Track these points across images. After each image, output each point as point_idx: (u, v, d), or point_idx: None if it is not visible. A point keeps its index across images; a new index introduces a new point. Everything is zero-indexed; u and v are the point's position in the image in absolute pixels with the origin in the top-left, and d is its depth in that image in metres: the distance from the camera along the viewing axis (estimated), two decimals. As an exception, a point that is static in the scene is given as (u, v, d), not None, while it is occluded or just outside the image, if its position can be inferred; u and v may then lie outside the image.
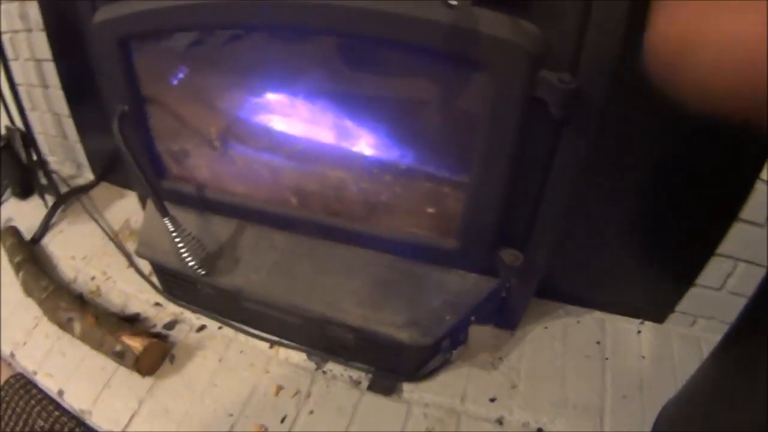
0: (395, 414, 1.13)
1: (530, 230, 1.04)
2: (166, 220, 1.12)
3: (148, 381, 1.19)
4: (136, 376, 1.20)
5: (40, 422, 1.23)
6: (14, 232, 1.52)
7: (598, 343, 1.25)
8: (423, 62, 0.92)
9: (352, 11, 0.81)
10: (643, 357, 1.22)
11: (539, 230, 1.04)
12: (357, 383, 1.19)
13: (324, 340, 1.19)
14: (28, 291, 1.37)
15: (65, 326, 1.28)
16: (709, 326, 1.23)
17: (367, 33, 0.84)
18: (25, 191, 1.67)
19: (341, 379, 1.20)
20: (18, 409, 1.26)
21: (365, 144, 1.06)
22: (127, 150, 1.07)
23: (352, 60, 0.96)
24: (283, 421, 1.12)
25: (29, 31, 1.50)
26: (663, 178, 1.06)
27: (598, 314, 1.31)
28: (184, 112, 1.15)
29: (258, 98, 1.11)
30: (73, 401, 1.18)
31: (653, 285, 1.23)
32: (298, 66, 1.02)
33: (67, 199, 1.63)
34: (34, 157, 1.58)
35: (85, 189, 1.68)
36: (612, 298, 1.29)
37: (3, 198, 1.69)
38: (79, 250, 1.49)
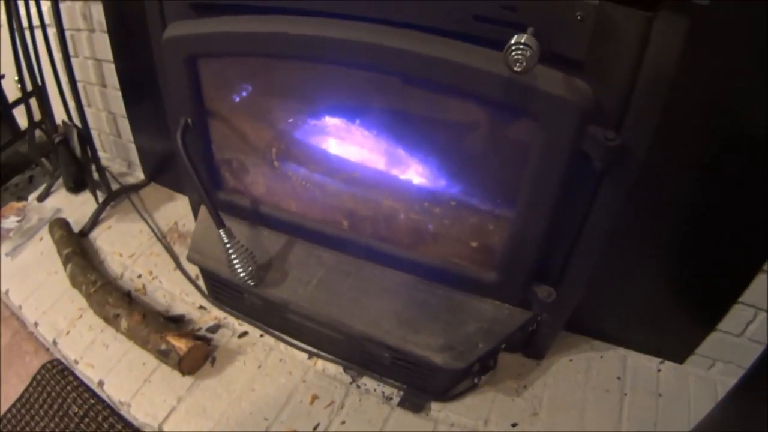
0: (422, 430, 1.17)
1: (565, 270, 1.08)
2: (221, 232, 1.16)
3: (188, 380, 1.24)
4: (176, 374, 1.24)
5: (75, 408, 1.28)
6: (64, 224, 1.57)
7: (619, 378, 1.28)
8: (482, 106, 0.96)
9: (425, 59, 0.85)
10: (660, 395, 1.24)
11: (573, 270, 1.08)
12: (389, 399, 1.22)
13: (361, 355, 1.23)
14: (76, 283, 1.42)
15: (111, 321, 1.32)
16: (727, 370, 1.26)
17: (435, 78, 0.88)
18: (77, 186, 1.72)
19: (374, 393, 1.23)
20: (54, 394, 1.31)
21: (417, 174, 1.11)
22: (187, 161, 1.11)
23: (413, 97, 1.01)
24: (315, 429, 1.16)
25: (92, 31, 1.55)
26: (693, 226, 1.09)
27: (621, 351, 1.34)
28: (244, 128, 1.19)
29: (318, 121, 1.16)
30: (113, 392, 1.23)
31: (677, 327, 1.26)
32: (361, 94, 1.07)
33: (117, 197, 1.67)
34: (89, 154, 1.62)
35: (135, 188, 1.73)
36: (636, 337, 1.32)
37: (54, 190, 1.74)
38: (127, 247, 1.54)
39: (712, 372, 1.28)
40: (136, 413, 1.19)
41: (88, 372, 1.26)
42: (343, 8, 0.90)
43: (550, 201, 0.93)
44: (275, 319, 1.30)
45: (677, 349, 1.29)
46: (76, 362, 1.29)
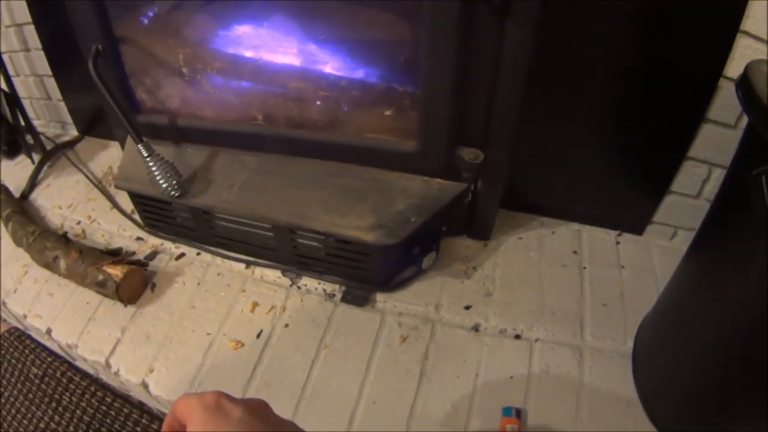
0: (369, 323, 1.11)
1: (487, 129, 1.00)
2: (140, 147, 1.11)
3: (130, 310, 1.18)
4: (118, 307, 1.18)
5: (34, 369, 1.24)
6: (2, 188, 1.50)
7: (575, 252, 1.21)
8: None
9: None
10: (623, 267, 1.17)
11: (496, 127, 1.00)
12: (331, 296, 1.16)
13: (295, 255, 1.17)
14: (17, 240, 1.36)
15: (51, 266, 1.26)
16: (690, 238, 1.13)
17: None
18: (11, 150, 1.65)
19: (315, 293, 1.17)
20: (13, 360, 1.27)
21: (319, 58, 1.04)
22: (101, 85, 1.06)
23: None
24: (258, 336, 1.10)
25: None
26: (627, 82, 1.02)
27: (574, 225, 1.27)
28: (153, 46, 1.13)
29: (217, 23, 1.09)
30: (60, 337, 1.17)
31: (629, 195, 1.17)
32: None
33: (52, 156, 1.61)
34: (20, 119, 1.56)
35: (70, 144, 1.66)
36: (588, 210, 1.24)
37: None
38: (65, 200, 1.48)
39: (675, 241, 1.20)
40: (83, 353, 1.13)
41: (37, 323, 1.20)
42: None
43: (452, 51, 0.86)
44: (208, 234, 1.25)
45: (634, 220, 1.21)
46: (25, 317, 1.23)
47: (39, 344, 1.29)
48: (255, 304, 1.15)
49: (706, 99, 0.97)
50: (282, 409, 0.94)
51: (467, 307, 1.12)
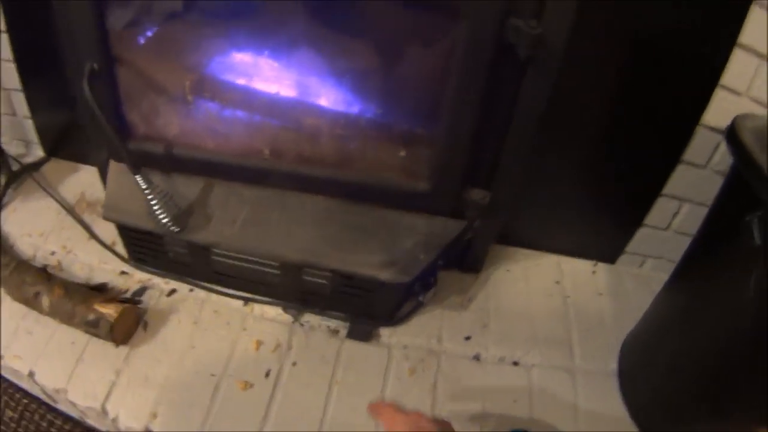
0: (377, 358, 1.10)
1: (496, 171, 1.02)
2: (138, 178, 1.04)
3: (122, 350, 1.11)
4: (109, 347, 1.11)
5: (9, 412, 1.16)
6: (-36, 214, 1.39)
7: (558, 282, 1.27)
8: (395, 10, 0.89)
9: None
10: (600, 294, 1.25)
11: (504, 170, 1.02)
12: (335, 332, 1.14)
13: (298, 291, 1.14)
14: (-14, 271, 1.25)
15: (32, 302, 1.17)
16: (658, 265, 1.29)
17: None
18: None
19: (319, 329, 1.15)
20: None
21: (335, 95, 1.01)
22: (96, 108, 0.98)
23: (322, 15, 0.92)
24: (267, 375, 1.07)
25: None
26: (610, 125, 1.08)
27: (554, 257, 1.34)
28: (153, 69, 1.06)
29: (227, 53, 1.04)
30: (46, 381, 1.08)
31: (605, 228, 1.26)
32: (270, 20, 0.97)
33: (18, 177, 1.48)
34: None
35: (36, 166, 1.54)
36: (566, 242, 1.32)
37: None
38: (35, 226, 1.37)
39: (644, 269, 1.31)
40: (74, 398, 1.06)
41: (16, 365, 1.11)
42: None
43: (478, 99, 0.86)
44: (202, 270, 1.19)
45: (608, 250, 1.31)
46: (1, 357, 1.13)
47: (12, 384, 1.19)
48: (259, 343, 1.11)
49: (684, 142, 1.06)
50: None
51: (467, 338, 1.15)
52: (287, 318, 1.16)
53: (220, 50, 1.04)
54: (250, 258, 1.11)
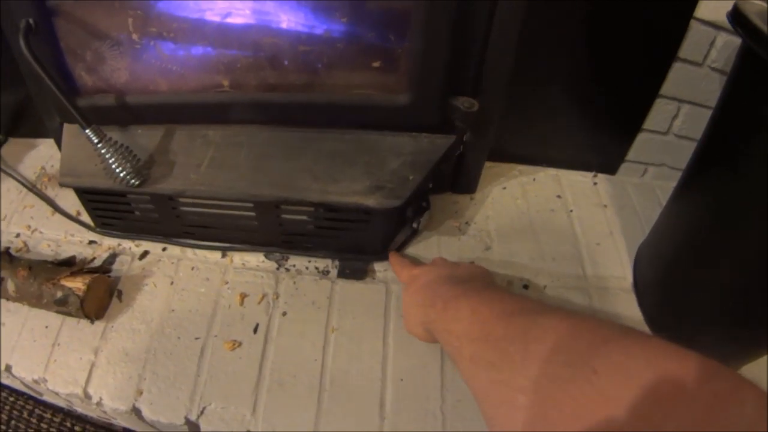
0: (375, 296, 0.96)
1: (480, 76, 0.88)
2: (89, 132, 0.89)
3: (98, 326, 0.97)
4: (84, 325, 0.98)
5: None
6: None
7: (559, 197, 1.15)
8: None
9: None
10: (605, 206, 1.13)
11: (490, 75, 0.88)
12: (325, 273, 1.00)
13: (279, 234, 1.00)
14: (-52, 266, 1.11)
15: (-3, 291, 1.03)
16: (660, 173, 1.17)
17: None
18: None
19: (307, 272, 1.01)
20: None
21: (293, 11, 0.84)
22: (36, 64, 0.84)
23: None
24: (256, 330, 0.93)
25: None
26: (600, 27, 0.96)
27: (551, 171, 1.21)
28: (93, 16, 0.90)
29: None
30: (23, 373, 0.95)
31: (602, 136, 1.14)
32: None
33: (-26, 163, 1.34)
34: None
35: (-7, 149, 1.39)
36: (562, 154, 1.19)
37: None
38: (-3, 211, 1.23)
39: (646, 178, 1.19)
40: (54, 386, 0.92)
41: (-9, 362, 0.98)
42: None
43: None
44: (173, 225, 1.04)
45: (608, 160, 1.19)
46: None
47: None
48: (243, 296, 0.97)
49: (678, 39, 0.94)
50: (303, 406, 0.83)
51: (470, 263, 0.98)
52: (271, 264, 1.02)
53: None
54: (222, 203, 0.97)
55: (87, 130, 0.90)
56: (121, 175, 0.92)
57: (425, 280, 0.81)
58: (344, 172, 0.90)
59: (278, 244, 1.01)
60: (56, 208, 1.19)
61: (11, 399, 1.04)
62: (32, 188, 1.24)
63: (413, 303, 0.81)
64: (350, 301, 0.95)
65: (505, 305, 0.63)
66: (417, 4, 0.74)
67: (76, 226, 1.15)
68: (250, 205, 0.94)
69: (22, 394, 1.04)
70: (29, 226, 1.17)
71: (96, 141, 0.90)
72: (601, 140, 1.14)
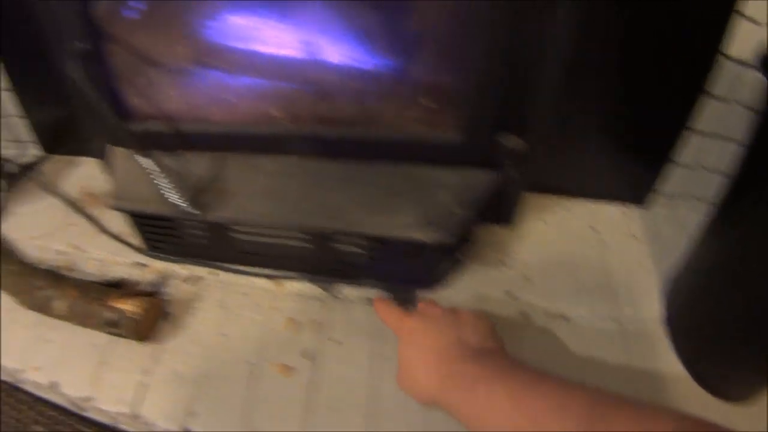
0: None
1: (525, 114, 0.89)
2: (149, 161, 0.92)
3: (148, 348, 0.99)
4: (133, 345, 0.99)
5: (38, 428, 1.05)
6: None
7: (592, 228, 1.16)
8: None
9: None
10: (635, 237, 1.14)
11: (534, 112, 0.88)
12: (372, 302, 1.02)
13: (330, 262, 1.02)
14: (-6, 281, 1.12)
15: (44, 307, 1.04)
16: (689, 205, 1.17)
17: None
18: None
19: (357, 301, 1.03)
20: (12, 421, 1.06)
21: (349, 48, 0.87)
22: (92, 92, 0.87)
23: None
24: (306, 355, 0.95)
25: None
26: (630, 60, 0.98)
27: (584, 202, 1.22)
28: (145, 42, 0.92)
29: (225, 14, 0.89)
30: (71, 390, 0.96)
31: (631, 169, 1.15)
32: None
33: (16, 180, 1.34)
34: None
35: (34, 166, 1.39)
36: (595, 186, 1.21)
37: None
38: (39, 228, 1.24)
39: (674, 210, 1.19)
40: (104, 405, 0.93)
41: (37, 377, 0.99)
42: None
43: (507, 38, 0.75)
44: (225, 250, 1.06)
45: (637, 191, 1.20)
46: (22, 371, 1.01)
47: (36, 397, 1.07)
48: (294, 322, 0.99)
49: (707, 75, 0.96)
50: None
51: (512, 295, 1.03)
52: (321, 292, 1.04)
53: (217, 12, 0.89)
54: (275, 232, 0.98)
55: (144, 159, 0.92)
56: (179, 202, 0.93)
57: (433, 344, 0.75)
58: (395, 205, 0.91)
59: (328, 272, 1.03)
60: (104, 230, 1.20)
61: (51, 413, 1.05)
62: (76, 207, 1.25)
63: (420, 365, 0.76)
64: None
65: (555, 396, 0.59)
66: (472, 43, 0.76)
67: (122, 247, 1.16)
68: (304, 235, 0.96)
69: (63, 408, 1.05)
70: (73, 245, 1.18)
71: (153, 169, 0.92)
72: (630, 173, 1.16)
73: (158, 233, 1.08)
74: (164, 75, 0.96)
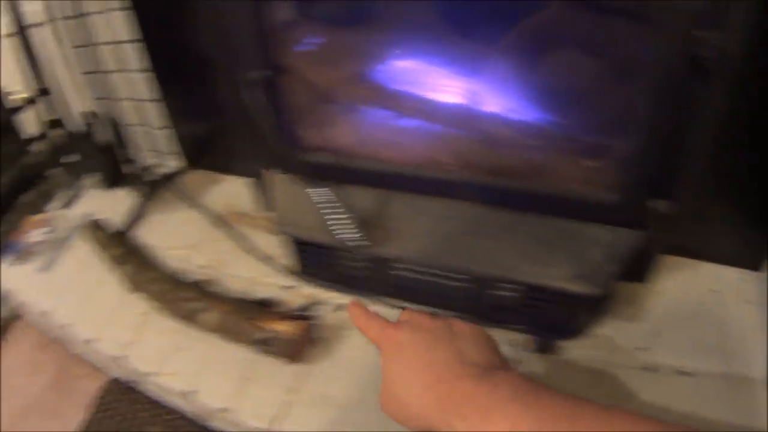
0: (557, 371, 1.02)
1: (674, 181, 0.92)
2: (324, 192, 0.98)
3: (294, 369, 1.03)
4: (278, 365, 1.03)
5: (153, 429, 1.09)
6: (102, 226, 1.31)
7: (713, 290, 1.18)
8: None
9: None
10: (749, 302, 1.15)
11: (682, 180, 0.92)
12: (514, 346, 1.06)
13: (480, 305, 1.05)
14: (137, 285, 1.18)
15: (190, 318, 1.10)
16: None
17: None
18: (110, 182, 1.44)
19: (503, 342, 1.05)
20: (125, 421, 1.11)
21: (520, 105, 0.92)
22: (266, 120, 0.93)
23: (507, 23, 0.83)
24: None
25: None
26: (749, 129, 0.98)
27: (706, 264, 1.24)
28: (320, 76, 0.99)
29: (400, 59, 0.95)
30: (209, 400, 1.01)
31: (751, 236, 1.16)
32: (450, 26, 0.87)
33: (157, 188, 1.40)
34: (120, 147, 1.39)
35: (175, 176, 1.45)
36: (716, 250, 1.22)
37: (76, 194, 1.46)
38: (180, 239, 1.29)
39: None
40: (242, 417, 0.98)
41: (173, 383, 1.04)
42: None
43: (670, 110, 0.79)
44: (379, 283, 1.10)
45: (753, 258, 1.20)
46: (156, 374, 1.06)
47: (150, 399, 1.12)
48: (442, 359, 1.02)
49: None
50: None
51: (642, 349, 1.06)
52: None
53: (392, 56, 0.95)
54: (434, 271, 1.03)
55: (314, 190, 0.96)
56: (347, 234, 0.98)
57: (427, 358, 0.63)
58: (549, 256, 0.95)
59: (476, 313, 1.07)
60: (252, 248, 1.24)
61: (166, 416, 1.08)
62: (223, 224, 1.30)
63: (411, 384, 0.62)
64: (536, 373, 1.01)
65: (598, 424, 0.53)
66: (642, 109, 0.80)
67: (266, 268, 1.21)
68: (463, 277, 1.00)
69: (178, 412, 1.09)
70: (216, 260, 1.23)
71: (323, 200, 0.97)
72: (751, 239, 1.17)
73: (316, 260, 1.12)
74: (333, 110, 1.02)
